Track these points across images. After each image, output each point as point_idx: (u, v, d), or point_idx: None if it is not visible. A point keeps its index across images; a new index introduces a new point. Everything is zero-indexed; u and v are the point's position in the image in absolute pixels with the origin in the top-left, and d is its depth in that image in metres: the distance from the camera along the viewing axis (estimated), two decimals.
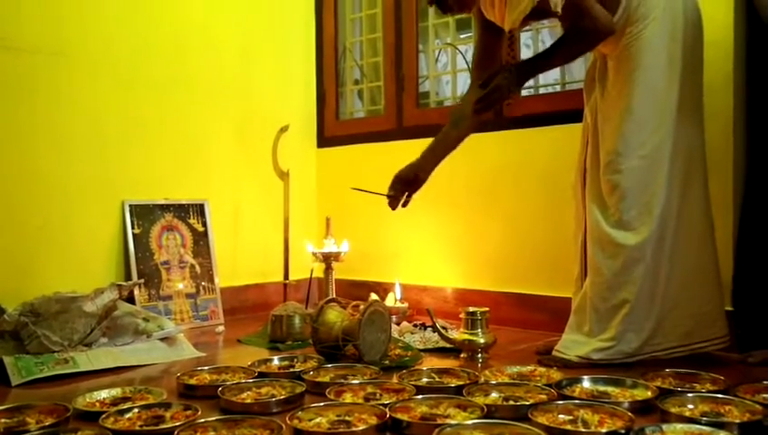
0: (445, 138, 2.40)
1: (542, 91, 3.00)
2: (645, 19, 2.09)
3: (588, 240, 2.24)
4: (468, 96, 2.34)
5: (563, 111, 2.74)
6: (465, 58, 3.29)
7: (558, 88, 2.94)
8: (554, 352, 2.25)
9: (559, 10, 2.00)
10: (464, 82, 3.39)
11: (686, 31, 2.12)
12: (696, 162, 2.17)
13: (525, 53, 3.01)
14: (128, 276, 2.90)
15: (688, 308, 2.16)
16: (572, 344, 2.22)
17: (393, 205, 2.41)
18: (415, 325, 2.79)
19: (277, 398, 1.82)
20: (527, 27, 2.35)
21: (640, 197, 2.12)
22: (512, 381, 1.97)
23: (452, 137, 2.40)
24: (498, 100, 2.17)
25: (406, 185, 2.39)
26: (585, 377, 1.93)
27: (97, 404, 1.82)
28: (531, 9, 2.01)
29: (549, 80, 3.00)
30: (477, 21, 2.35)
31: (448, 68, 3.39)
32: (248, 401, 1.82)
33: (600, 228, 2.17)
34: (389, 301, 3.06)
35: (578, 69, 2.89)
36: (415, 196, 2.42)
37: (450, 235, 3.13)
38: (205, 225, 3.17)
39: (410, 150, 3.25)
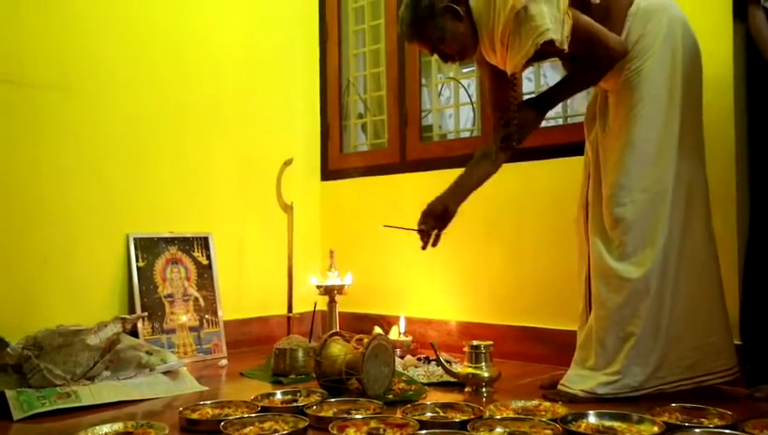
0: (469, 174, 2.35)
1: (543, 124, 3.01)
2: (644, 54, 2.11)
3: (591, 274, 2.24)
4: (493, 136, 2.35)
5: (565, 144, 2.75)
6: (467, 92, 3.32)
7: (560, 121, 2.96)
8: (559, 387, 2.23)
9: (565, 47, 2.02)
10: (466, 115, 3.42)
11: (685, 65, 2.14)
12: (697, 195, 2.17)
13: (527, 87, 3.03)
14: (131, 309, 2.90)
15: (692, 340, 2.14)
16: (578, 379, 2.20)
17: (424, 240, 2.33)
18: (419, 359, 2.77)
19: (280, 433, 1.80)
20: (532, 66, 2.40)
21: (644, 230, 2.12)
22: (516, 415, 1.95)
23: (477, 174, 2.35)
24: (523, 136, 2.23)
25: (435, 219, 2.32)
26: (591, 412, 1.91)
27: None
28: (534, 51, 2.03)
29: (551, 113, 3.01)
30: (482, 66, 2.38)
31: (451, 102, 3.42)
32: None
33: (604, 262, 2.17)
34: (393, 334, 3.05)
35: (579, 102, 2.91)
36: (444, 232, 2.35)
37: (454, 268, 3.12)
38: (209, 258, 3.18)
39: (414, 183, 3.30)
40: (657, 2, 2.15)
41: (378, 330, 2.96)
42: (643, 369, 2.12)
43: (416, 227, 2.34)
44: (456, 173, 2.90)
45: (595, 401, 2.11)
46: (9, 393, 2.18)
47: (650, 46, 2.11)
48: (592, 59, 2.12)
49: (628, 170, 2.13)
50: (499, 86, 2.35)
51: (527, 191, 2.90)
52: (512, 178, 2.85)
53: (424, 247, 2.35)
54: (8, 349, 2.32)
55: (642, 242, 2.12)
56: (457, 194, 2.34)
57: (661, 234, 2.11)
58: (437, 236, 2.35)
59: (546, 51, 2.04)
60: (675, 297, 2.13)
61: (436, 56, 2.26)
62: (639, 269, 2.11)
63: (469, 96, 3.32)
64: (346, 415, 1.97)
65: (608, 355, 2.16)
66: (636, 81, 2.12)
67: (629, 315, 2.13)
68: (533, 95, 3.01)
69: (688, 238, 2.14)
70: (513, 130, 2.22)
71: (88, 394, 2.26)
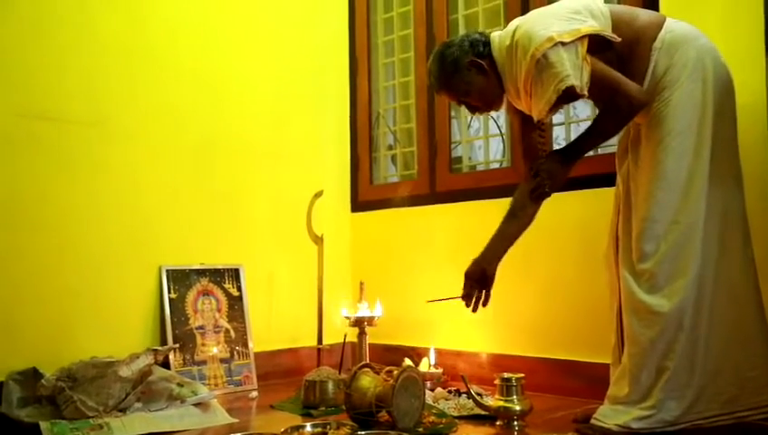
0: (505, 229, 2.37)
1: None
2: (672, 85, 2.09)
3: (623, 309, 2.20)
4: (523, 186, 2.36)
5: (596, 174, 2.74)
6: (497, 123, 3.33)
7: (590, 152, 2.93)
8: (593, 421, 2.18)
9: (585, 93, 2.06)
10: (496, 146, 3.42)
11: (717, 95, 2.11)
12: (732, 225, 2.12)
13: (558, 118, 3.03)
14: (163, 341, 2.92)
15: (731, 374, 2.08)
16: (611, 413, 2.15)
17: (468, 303, 2.38)
18: (449, 392, 2.75)
19: None
20: (558, 111, 2.42)
21: (675, 262, 2.08)
22: None
23: (512, 229, 2.37)
24: (552, 186, 2.24)
25: (476, 282, 2.36)
26: None
27: None
28: (556, 98, 2.07)
29: None
30: (511, 113, 2.42)
31: (481, 133, 3.43)
32: None
33: (635, 297, 2.13)
34: (423, 366, 3.03)
35: None
36: (493, 292, 2.38)
37: None
38: (240, 289, 3.20)
39: (444, 215, 3.31)
40: (683, 33, 2.14)
41: (408, 362, 2.94)
42: (679, 403, 2.06)
43: (459, 295, 2.37)
44: (485, 205, 2.93)
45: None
46: (43, 425, 2.20)
47: (678, 77, 2.09)
48: (613, 107, 2.13)
49: (659, 203, 2.10)
50: (529, 133, 2.38)
51: (558, 222, 2.87)
52: (542, 210, 2.84)
53: (474, 310, 2.38)
54: (43, 380, 2.35)
55: (674, 274, 2.08)
56: (493, 255, 2.37)
57: (693, 265, 2.07)
58: (486, 297, 2.37)
59: (571, 94, 2.07)
60: (711, 329, 2.07)
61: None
62: (671, 301, 2.06)
63: (498, 127, 3.33)
64: None
65: (642, 390, 2.11)
66: (665, 112, 2.10)
67: (664, 350, 2.08)
68: (563, 127, 3.03)
69: (723, 270, 2.09)
70: (543, 181, 2.24)
71: (120, 426, 2.28)
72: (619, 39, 2.12)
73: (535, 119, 2.21)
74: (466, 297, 2.37)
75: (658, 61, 2.12)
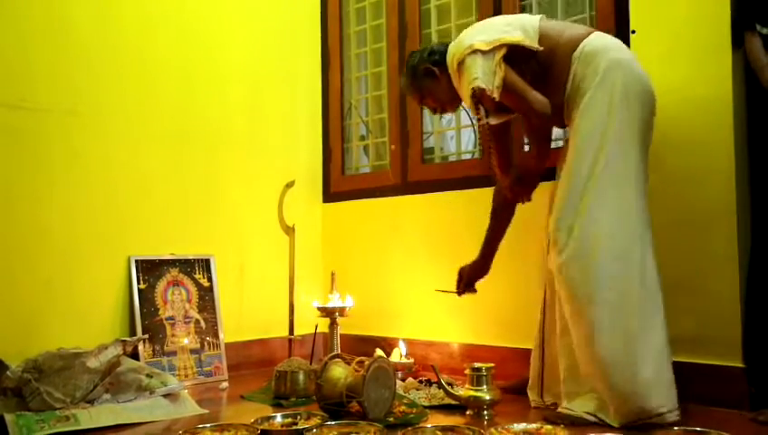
0: (492, 231, 2.67)
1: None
2: (585, 93, 2.23)
3: None
4: (501, 184, 2.59)
5: None
6: (468, 114, 3.33)
7: (560, 144, 2.95)
8: (560, 409, 2.22)
9: (496, 96, 2.25)
10: (467, 137, 3.43)
11: (625, 105, 2.18)
12: (645, 227, 2.19)
13: None
14: (132, 332, 2.89)
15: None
16: (580, 401, 2.19)
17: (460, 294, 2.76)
18: (420, 381, 2.76)
19: None
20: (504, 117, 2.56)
21: (581, 260, 2.16)
22: None
23: (498, 228, 2.67)
24: (525, 187, 2.48)
25: (470, 283, 2.74)
26: None
27: None
28: (470, 97, 2.27)
29: (557, 133, 3.01)
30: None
31: (452, 124, 3.43)
32: None
33: (557, 294, 2.29)
34: (395, 356, 3.04)
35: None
36: (480, 281, 2.73)
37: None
38: (210, 280, 3.18)
39: (415, 205, 3.31)
40: (599, 45, 2.25)
41: (379, 352, 2.94)
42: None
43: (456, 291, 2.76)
44: (457, 195, 2.95)
45: (596, 424, 2.10)
46: (8, 417, 2.17)
47: (588, 88, 2.22)
48: (525, 116, 2.35)
49: (564, 201, 2.21)
50: (498, 132, 2.54)
51: (530, 213, 2.89)
52: None
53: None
54: (8, 372, 2.32)
55: (582, 271, 2.16)
56: (486, 259, 2.70)
57: (601, 263, 2.14)
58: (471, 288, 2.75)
59: (486, 97, 2.26)
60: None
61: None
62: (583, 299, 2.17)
63: (470, 118, 3.33)
64: None
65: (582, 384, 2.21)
66: (576, 116, 2.24)
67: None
68: None
69: (648, 270, 2.16)
70: (513, 183, 2.49)
71: (87, 417, 2.25)
72: (540, 48, 2.28)
73: (471, 114, 2.36)
74: (461, 293, 2.75)
75: (576, 70, 2.26)
